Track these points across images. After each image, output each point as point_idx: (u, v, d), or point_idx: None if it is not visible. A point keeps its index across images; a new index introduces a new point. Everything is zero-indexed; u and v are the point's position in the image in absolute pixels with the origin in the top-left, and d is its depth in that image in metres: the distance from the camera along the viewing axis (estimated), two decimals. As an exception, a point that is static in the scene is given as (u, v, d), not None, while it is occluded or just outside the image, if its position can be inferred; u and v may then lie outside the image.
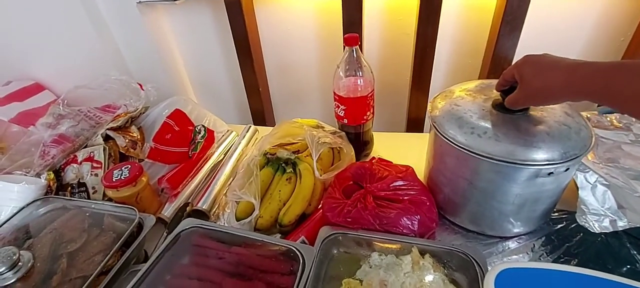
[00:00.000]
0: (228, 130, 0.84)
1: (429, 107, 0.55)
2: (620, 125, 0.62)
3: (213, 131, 0.79)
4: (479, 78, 0.84)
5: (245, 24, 0.80)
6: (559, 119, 0.47)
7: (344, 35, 0.77)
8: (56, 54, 0.95)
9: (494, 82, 0.51)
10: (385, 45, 0.86)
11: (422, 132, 0.91)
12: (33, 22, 0.89)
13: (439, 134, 0.50)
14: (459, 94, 0.53)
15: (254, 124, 0.89)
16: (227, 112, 1.07)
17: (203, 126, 0.78)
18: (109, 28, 0.88)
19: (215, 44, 0.94)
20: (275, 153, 0.63)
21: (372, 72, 0.65)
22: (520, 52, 0.74)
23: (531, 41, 0.75)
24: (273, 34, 0.89)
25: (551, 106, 0.49)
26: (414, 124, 0.90)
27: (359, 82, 0.64)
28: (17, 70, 1.00)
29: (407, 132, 0.92)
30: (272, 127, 0.74)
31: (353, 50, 0.62)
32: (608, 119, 0.64)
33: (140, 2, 0.80)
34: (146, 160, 0.71)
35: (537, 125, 0.46)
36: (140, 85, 0.78)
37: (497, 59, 0.76)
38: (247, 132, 0.83)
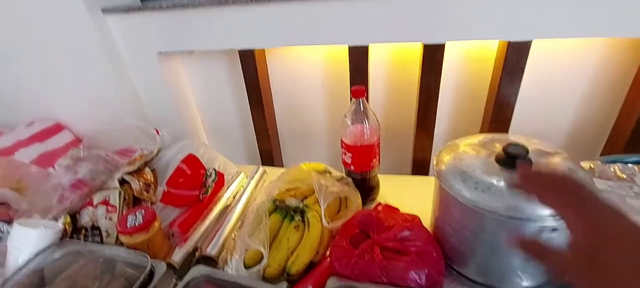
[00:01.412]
0: (237, 172, 0.87)
1: (434, 161, 0.56)
2: (624, 176, 0.63)
3: (223, 174, 0.81)
4: (482, 121, 0.86)
5: (257, 73, 0.84)
6: (561, 176, 0.48)
7: (350, 82, 0.82)
8: (77, 95, 1.01)
9: (497, 136, 0.53)
10: (390, 91, 0.89)
11: (428, 174, 0.92)
12: (56, 64, 0.94)
13: (443, 188, 0.52)
14: (463, 148, 0.55)
15: (263, 164, 0.91)
16: (237, 151, 1.11)
17: (214, 169, 0.80)
18: (129, 73, 0.94)
19: (226, 90, 0.99)
20: (284, 201, 0.64)
21: (378, 120, 0.68)
22: (522, 98, 0.77)
23: (533, 87, 0.77)
24: (283, 80, 0.93)
25: (554, 161, 0.50)
26: (420, 166, 0.92)
27: (365, 131, 0.67)
28: (39, 110, 1.06)
29: (412, 173, 0.94)
30: (280, 168, 0.76)
31: (360, 102, 0.65)
32: (611, 168, 0.65)
33: (160, 52, 0.85)
34: (158, 203, 0.73)
35: (540, 182, 0.47)
36: (157, 131, 0.81)
37: (499, 105, 0.79)
38: (255, 173, 0.85)
